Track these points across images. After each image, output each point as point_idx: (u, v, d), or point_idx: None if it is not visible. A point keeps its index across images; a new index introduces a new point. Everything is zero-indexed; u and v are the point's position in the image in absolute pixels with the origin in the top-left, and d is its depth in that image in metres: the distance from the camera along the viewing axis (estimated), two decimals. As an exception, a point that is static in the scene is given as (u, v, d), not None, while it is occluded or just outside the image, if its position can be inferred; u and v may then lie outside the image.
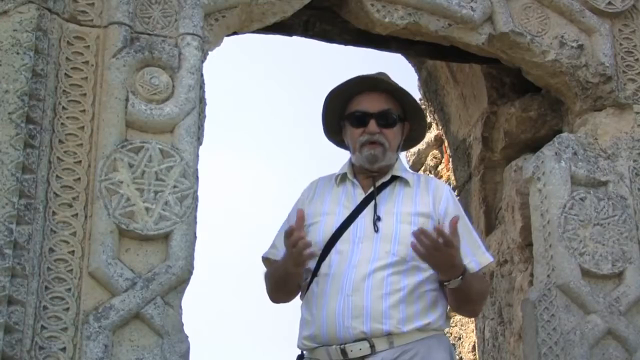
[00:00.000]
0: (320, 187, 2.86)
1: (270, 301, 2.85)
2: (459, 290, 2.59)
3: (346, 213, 2.72)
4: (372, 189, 2.75)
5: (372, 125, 2.73)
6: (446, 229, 2.53)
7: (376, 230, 2.66)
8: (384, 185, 2.75)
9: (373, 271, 2.58)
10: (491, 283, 4.10)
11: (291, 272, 2.63)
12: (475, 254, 2.70)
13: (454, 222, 2.51)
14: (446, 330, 2.91)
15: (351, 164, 2.81)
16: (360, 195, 2.75)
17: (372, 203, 2.71)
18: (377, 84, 2.79)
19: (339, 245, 2.68)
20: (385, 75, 2.82)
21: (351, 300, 2.57)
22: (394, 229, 2.65)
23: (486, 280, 2.76)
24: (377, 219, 2.68)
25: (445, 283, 2.59)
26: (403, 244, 2.61)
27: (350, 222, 2.70)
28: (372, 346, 2.56)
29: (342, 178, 2.83)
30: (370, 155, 2.72)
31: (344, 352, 2.57)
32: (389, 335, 2.56)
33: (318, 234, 2.72)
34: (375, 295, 2.56)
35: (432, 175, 2.86)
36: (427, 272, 2.61)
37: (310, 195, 2.86)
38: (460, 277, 2.56)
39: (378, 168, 2.74)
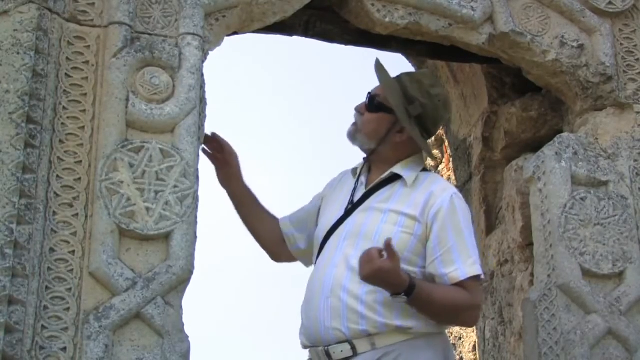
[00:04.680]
0: (345, 177, 2.91)
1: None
2: (415, 306, 2.52)
3: (341, 212, 2.74)
4: (371, 185, 2.75)
5: (362, 104, 2.79)
6: (433, 236, 2.57)
7: (359, 229, 2.65)
8: (385, 183, 2.74)
9: (351, 271, 2.57)
10: (491, 283, 4.10)
11: (222, 185, 2.96)
12: (464, 263, 2.58)
13: (387, 241, 2.46)
14: (447, 330, 2.90)
15: None
16: (362, 190, 2.76)
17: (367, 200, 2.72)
18: (397, 76, 2.81)
19: (330, 242, 2.70)
20: (405, 74, 2.81)
21: (330, 301, 2.58)
22: (376, 229, 2.63)
23: (467, 292, 2.58)
24: (360, 216, 2.68)
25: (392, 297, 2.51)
26: (381, 244, 2.56)
27: (346, 219, 2.71)
28: (353, 348, 2.54)
29: (360, 171, 2.86)
30: (347, 131, 2.81)
31: (327, 354, 2.57)
32: (369, 336, 2.53)
33: (319, 229, 2.78)
34: (352, 295, 2.55)
35: (442, 178, 2.80)
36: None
37: (335, 184, 2.93)
38: (402, 294, 2.47)
39: (360, 148, 2.79)
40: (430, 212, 2.62)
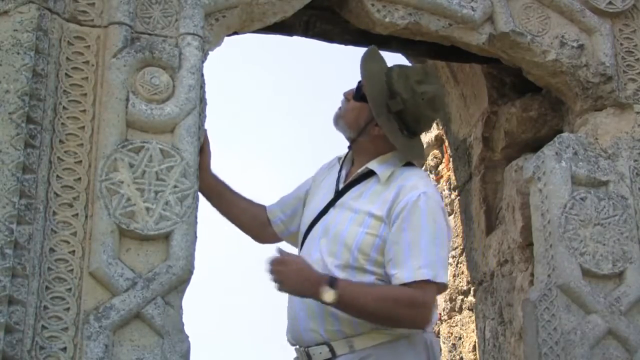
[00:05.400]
0: (334, 163, 2.88)
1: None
2: (347, 303, 2.45)
3: (322, 205, 2.73)
4: (349, 180, 2.73)
5: (350, 90, 2.77)
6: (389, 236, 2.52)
7: (330, 229, 2.63)
8: (362, 178, 2.70)
9: (325, 270, 2.55)
10: (491, 283, 4.10)
11: None
12: (411, 266, 2.47)
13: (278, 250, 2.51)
14: (444, 330, 2.88)
15: None
16: (342, 184, 2.74)
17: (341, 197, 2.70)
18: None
19: (310, 237, 2.69)
20: (397, 67, 2.76)
21: (306, 300, 2.55)
22: (343, 230, 2.59)
23: (412, 289, 2.47)
24: (333, 214, 2.65)
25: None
26: (347, 246, 2.56)
27: (325, 213, 2.69)
28: (331, 350, 2.52)
29: (343, 160, 2.84)
30: (333, 115, 2.80)
31: (308, 355, 2.56)
32: (347, 338, 2.50)
33: (303, 222, 2.79)
34: None
35: (420, 174, 2.72)
36: (375, 274, 2.54)
37: (325, 168, 2.91)
38: (328, 288, 2.43)
39: (343, 135, 2.77)
40: (394, 210, 2.55)
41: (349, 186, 2.71)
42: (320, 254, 2.61)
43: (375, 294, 2.47)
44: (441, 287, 2.55)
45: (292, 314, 2.63)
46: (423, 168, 5.07)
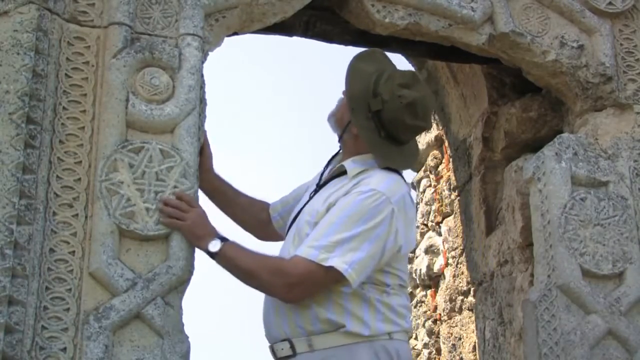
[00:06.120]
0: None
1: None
2: (227, 257, 2.55)
3: (305, 200, 2.78)
4: (326, 177, 2.77)
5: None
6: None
7: (299, 224, 2.67)
8: (337, 175, 2.71)
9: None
10: (491, 283, 4.10)
11: None
12: (305, 245, 2.49)
13: (178, 194, 2.63)
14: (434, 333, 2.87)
15: None
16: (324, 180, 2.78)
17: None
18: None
19: (289, 232, 2.73)
20: (392, 69, 2.76)
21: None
22: (302, 223, 2.64)
23: (284, 260, 2.54)
24: (306, 209, 2.68)
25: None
26: (300, 237, 2.59)
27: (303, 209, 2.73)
28: (292, 347, 2.51)
29: (332, 158, 2.86)
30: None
31: (273, 351, 2.58)
32: (307, 336, 2.49)
33: (289, 220, 2.82)
34: None
35: (386, 178, 2.63)
36: None
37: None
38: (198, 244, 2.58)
39: (333, 131, 2.79)
40: (338, 198, 2.56)
41: (326, 183, 2.74)
42: (287, 245, 2.66)
43: (253, 258, 2.53)
44: (330, 272, 2.45)
45: (264, 309, 2.65)
46: (423, 169, 5.06)
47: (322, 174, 2.82)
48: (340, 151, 2.83)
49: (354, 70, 2.71)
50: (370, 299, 2.52)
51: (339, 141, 2.79)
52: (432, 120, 4.43)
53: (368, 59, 2.76)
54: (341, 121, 2.74)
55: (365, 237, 2.47)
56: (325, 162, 2.92)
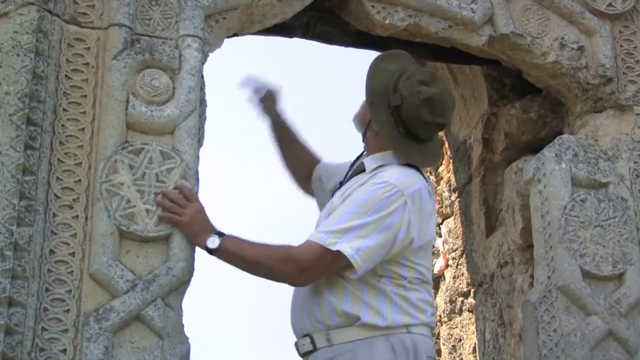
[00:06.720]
0: None
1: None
2: (229, 252, 2.56)
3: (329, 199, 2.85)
4: (349, 174, 2.81)
5: None
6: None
7: (319, 220, 2.74)
8: (358, 172, 2.75)
9: None
10: (491, 284, 4.10)
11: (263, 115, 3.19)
12: (317, 230, 2.55)
13: (178, 186, 2.65)
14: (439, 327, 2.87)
15: None
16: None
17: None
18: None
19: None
20: (413, 66, 2.78)
21: (299, 291, 2.62)
22: (317, 224, 2.70)
23: (293, 246, 2.54)
24: (326, 206, 2.73)
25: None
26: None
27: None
28: (312, 342, 2.53)
29: (358, 156, 2.90)
30: None
31: (297, 347, 2.60)
32: (326, 331, 2.51)
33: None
34: (309, 287, 2.58)
35: (405, 174, 2.64)
36: None
37: None
38: (214, 234, 2.57)
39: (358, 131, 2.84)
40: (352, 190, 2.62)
41: (347, 181, 2.77)
42: None
43: (258, 249, 2.55)
44: (338, 257, 2.48)
45: (292, 306, 2.67)
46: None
47: (347, 174, 2.84)
48: (364, 152, 2.85)
49: (377, 68, 2.74)
50: (386, 291, 2.54)
51: (363, 140, 2.82)
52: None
53: (392, 59, 2.78)
54: (364, 120, 2.78)
55: (375, 226, 2.49)
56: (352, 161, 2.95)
